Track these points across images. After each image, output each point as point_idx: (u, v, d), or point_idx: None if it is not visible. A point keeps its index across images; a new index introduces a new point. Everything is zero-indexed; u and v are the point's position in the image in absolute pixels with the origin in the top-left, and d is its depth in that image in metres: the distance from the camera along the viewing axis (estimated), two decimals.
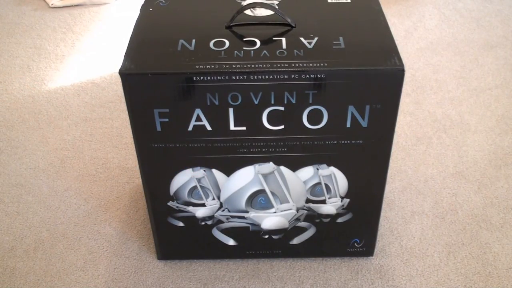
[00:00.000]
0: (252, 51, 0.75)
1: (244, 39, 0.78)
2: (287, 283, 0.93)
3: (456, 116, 1.28)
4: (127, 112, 1.30)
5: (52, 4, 1.71)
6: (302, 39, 0.78)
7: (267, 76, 0.73)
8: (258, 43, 0.77)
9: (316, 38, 0.78)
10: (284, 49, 0.76)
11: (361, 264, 0.96)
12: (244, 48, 0.76)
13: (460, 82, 1.38)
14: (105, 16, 1.68)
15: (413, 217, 1.04)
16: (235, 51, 0.76)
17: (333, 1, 0.86)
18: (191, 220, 0.90)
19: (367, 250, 0.96)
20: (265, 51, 0.76)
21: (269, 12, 0.82)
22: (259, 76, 0.73)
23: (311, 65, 0.73)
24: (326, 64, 0.73)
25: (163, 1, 0.87)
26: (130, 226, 1.03)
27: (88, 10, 1.70)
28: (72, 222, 1.04)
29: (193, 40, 0.78)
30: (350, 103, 0.76)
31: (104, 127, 1.25)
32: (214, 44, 0.77)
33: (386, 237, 1.00)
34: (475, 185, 1.11)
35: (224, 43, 0.77)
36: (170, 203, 0.88)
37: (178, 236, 0.93)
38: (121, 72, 0.73)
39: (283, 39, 0.78)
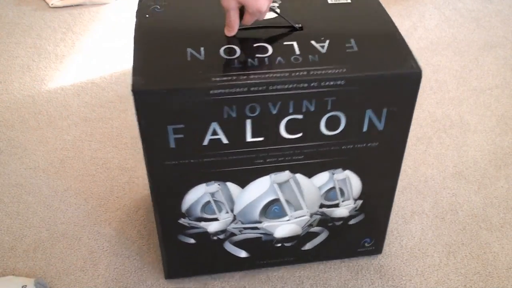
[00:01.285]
0: (266, 59, 0.73)
1: (255, 45, 0.75)
2: (287, 283, 0.93)
3: (456, 116, 1.27)
4: (127, 112, 1.30)
5: (52, 4, 1.71)
6: (313, 42, 0.76)
7: (286, 86, 0.70)
8: (270, 48, 0.75)
9: (327, 41, 0.76)
10: (298, 55, 0.74)
11: (361, 264, 0.96)
12: (257, 55, 0.73)
13: (460, 82, 1.38)
14: (105, 16, 1.68)
15: (413, 217, 1.04)
16: (249, 59, 0.73)
17: (334, 2, 0.85)
18: (203, 236, 0.87)
19: (377, 248, 0.95)
20: (279, 58, 0.73)
21: (271, 15, 0.80)
22: (278, 86, 0.70)
23: (330, 72, 0.71)
24: (345, 70, 0.71)
25: (158, 7, 0.83)
26: (130, 226, 1.03)
27: (88, 10, 1.70)
28: (72, 222, 1.04)
29: (201, 48, 0.74)
30: (368, 107, 0.75)
31: (104, 127, 1.25)
32: (225, 51, 0.74)
33: (386, 237, 1.00)
34: (475, 185, 1.11)
35: (234, 50, 0.74)
36: (181, 220, 0.84)
37: (188, 254, 0.89)
38: (135, 90, 0.68)
39: (294, 44, 0.76)
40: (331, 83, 0.71)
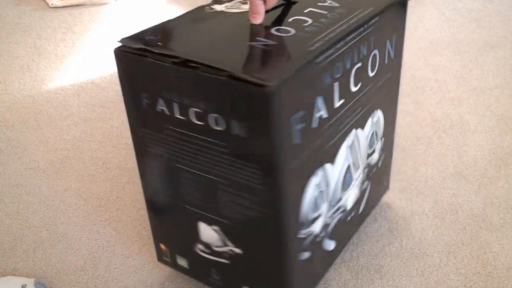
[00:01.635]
0: (315, 23, 0.71)
1: (290, 20, 0.72)
2: None
3: (456, 116, 1.27)
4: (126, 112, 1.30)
5: (52, 4, 1.71)
6: (321, 3, 0.78)
7: (352, 35, 0.70)
8: (306, 18, 0.73)
9: (328, 1, 0.79)
10: (327, 13, 0.75)
11: (361, 264, 0.96)
12: (304, 25, 0.70)
13: (460, 82, 1.38)
14: (105, 16, 1.68)
15: (413, 217, 1.04)
16: (305, 29, 0.69)
17: None
18: (313, 242, 0.75)
19: (387, 184, 0.98)
20: (321, 19, 0.72)
21: None
22: (349, 37, 0.69)
23: (366, 13, 0.74)
24: (372, 9, 0.75)
25: (153, 37, 0.69)
26: (130, 226, 1.03)
27: (88, 10, 1.70)
28: (72, 222, 1.04)
29: (259, 38, 0.68)
30: (387, 38, 0.80)
31: (104, 127, 1.25)
32: (279, 32, 0.69)
33: (386, 237, 1.00)
34: (475, 185, 1.11)
35: (285, 29, 0.69)
36: (300, 234, 0.71)
37: (305, 273, 0.76)
38: (271, 84, 0.57)
39: (312, 9, 0.76)
40: (373, 21, 0.75)
